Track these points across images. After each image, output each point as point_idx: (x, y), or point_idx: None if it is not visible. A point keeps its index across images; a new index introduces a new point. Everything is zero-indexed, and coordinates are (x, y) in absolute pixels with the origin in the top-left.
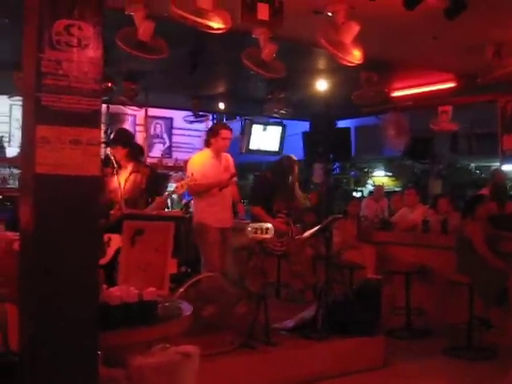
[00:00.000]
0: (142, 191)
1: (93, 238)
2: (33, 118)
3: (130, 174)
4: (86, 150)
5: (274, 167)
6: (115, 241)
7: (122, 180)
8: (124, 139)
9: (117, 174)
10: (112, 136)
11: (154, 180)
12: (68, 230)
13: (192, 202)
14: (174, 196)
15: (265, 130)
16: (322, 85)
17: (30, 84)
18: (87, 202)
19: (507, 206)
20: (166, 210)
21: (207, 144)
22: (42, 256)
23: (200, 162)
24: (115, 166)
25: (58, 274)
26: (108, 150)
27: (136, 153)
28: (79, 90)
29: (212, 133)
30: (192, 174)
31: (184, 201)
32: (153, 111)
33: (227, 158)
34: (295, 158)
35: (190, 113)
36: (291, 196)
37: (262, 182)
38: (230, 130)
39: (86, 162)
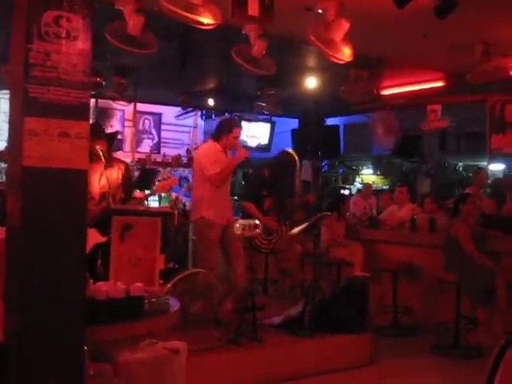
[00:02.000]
0: (118, 186)
1: (80, 231)
2: (20, 109)
3: (105, 168)
4: (74, 142)
5: (273, 163)
6: (92, 236)
7: (98, 175)
8: (105, 133)
9: (105, 168)
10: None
11: (130, 176)
12: (55, 224)
13: (186, 196)
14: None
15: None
16: (311, 82)
17: (17, 75)
18: (75, 195)
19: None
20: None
21: (217, 138)
22: (28, 249)
23: (211, 152)
24: (103, 160)
25: (45, 267)
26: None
27: (111, 147)
28: (68, 82)
29: (224, 129)
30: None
31: (174, 195)
32: (142, 106)
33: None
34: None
35: (180, 110)
36: (288, 193)
37: (256, 178)
38: (242, 127)
39: (74, 155)
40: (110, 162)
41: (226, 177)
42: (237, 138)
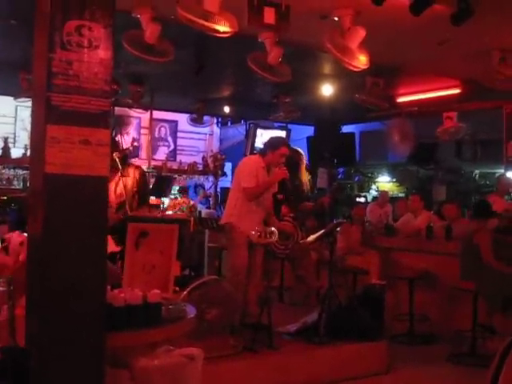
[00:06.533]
0: (133, 194)
1: (101, 238)
2: (43, 117)
3: (121, 177)
4: (95, 150)
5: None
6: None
7: (114, 183)
8: (119, 148)
9: (122, 176)
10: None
11: (145, 182)
12: (76, 230)
13: (202, 204)
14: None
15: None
16: (327, 89)
17: (40, 84)
18: (96, 202)
19: None
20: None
21: (262, 154)
22: (49, 256)
23: (254, 165)
24: (120, 168)
25: (66, 273)
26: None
27: (126, 157)
28: (89, 90)
29: (271, 146)
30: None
31: (192, 202)
32: (158, 114)
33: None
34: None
35: (194, 116)
36: (300, 197)
37: None
38: (289, 147)
39: (96, 162)
40: (125, 171)
41: (260, 193)
42: (282, 155)
